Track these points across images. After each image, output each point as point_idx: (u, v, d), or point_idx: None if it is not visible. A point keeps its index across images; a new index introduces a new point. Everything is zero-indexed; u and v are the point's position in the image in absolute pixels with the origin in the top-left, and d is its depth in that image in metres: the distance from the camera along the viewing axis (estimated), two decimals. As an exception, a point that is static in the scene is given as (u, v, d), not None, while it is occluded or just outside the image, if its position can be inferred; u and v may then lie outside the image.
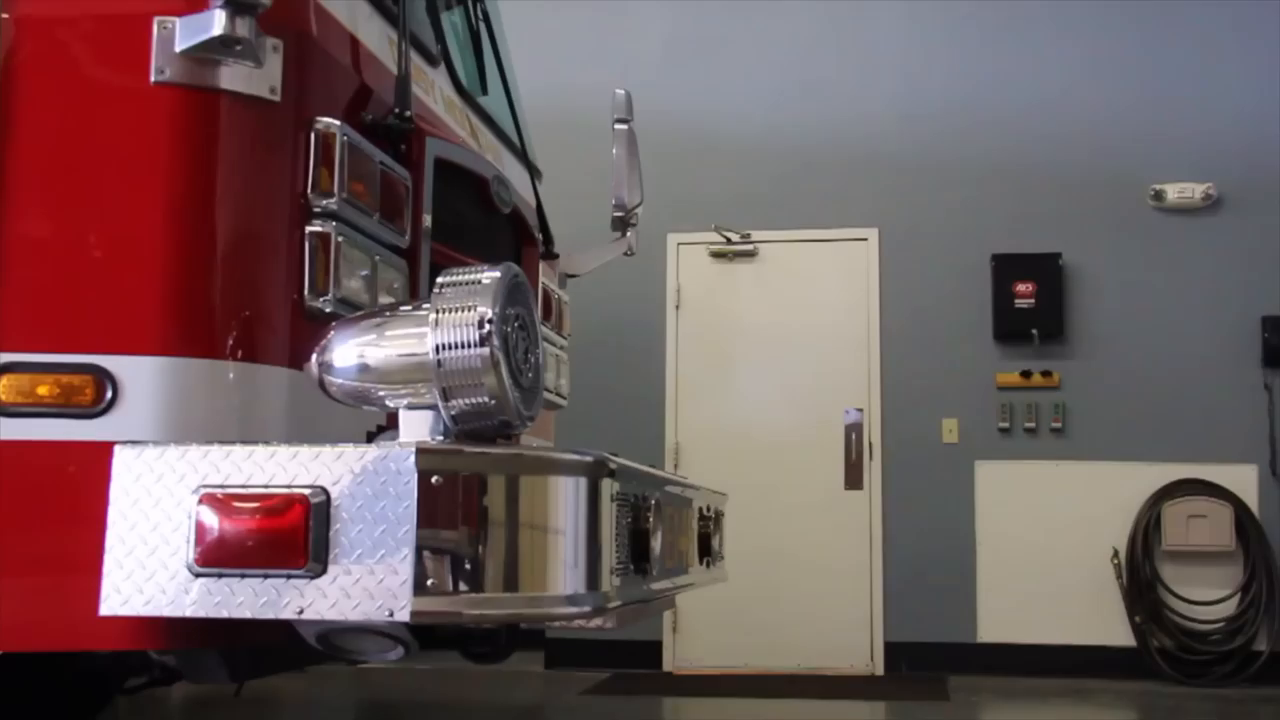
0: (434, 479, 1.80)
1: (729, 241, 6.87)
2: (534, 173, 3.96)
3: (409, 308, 2.02)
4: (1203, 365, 6.54)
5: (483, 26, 3.80)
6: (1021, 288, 6.58)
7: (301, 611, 1.80)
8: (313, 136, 2.30)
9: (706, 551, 3.08)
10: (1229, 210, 6.66)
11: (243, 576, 1.81)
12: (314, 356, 2.02)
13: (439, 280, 1.93)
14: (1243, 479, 6.43)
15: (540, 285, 3.76)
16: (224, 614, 1.81)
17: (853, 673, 6.53)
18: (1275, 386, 6.49)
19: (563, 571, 1.89)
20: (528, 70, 4.37)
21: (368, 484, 1.81)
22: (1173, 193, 6.68)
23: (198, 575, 1.82)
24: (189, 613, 1.83)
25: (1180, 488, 6.43)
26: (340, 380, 2.00)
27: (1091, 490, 6.49)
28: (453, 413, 1.89)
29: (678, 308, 6.82)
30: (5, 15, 2.16)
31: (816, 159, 6.96)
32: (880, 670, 6.49)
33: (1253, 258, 6.55)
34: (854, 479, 6.75)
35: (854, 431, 6.75)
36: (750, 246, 6.93)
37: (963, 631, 6.45)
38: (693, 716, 5.77)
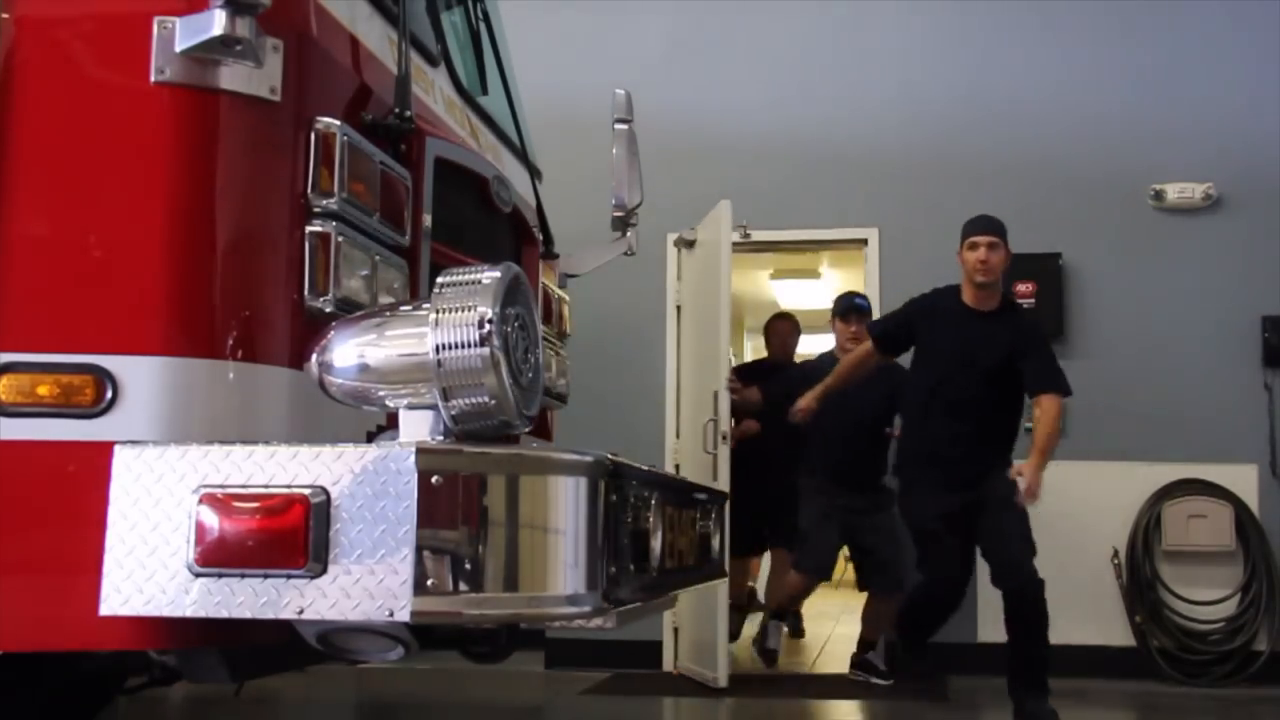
0: (434, 479, 1.80)
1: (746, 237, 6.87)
2: (534, 173, 3.96)
3: (409, 308, 2.02)
4: (1203, 365, 6.54)
5: (483, 26, 3.81)
6: (1021, 288, 6.57)
7: (301, 611, 1.80)
8: (313, 136, 2.30)
9: (707, 551, 3.08)
10: (1229, 210, 6.66)
11: (243, 576, 1.81)
12: (314, 356, 2.03)
13: (439, 280, 1.93)
14: (1243, 479, 6.42)
15: (540, 285, 3.76)
16: (224, 614, 1.82)
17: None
18: (1275, 386, 6.49)
19: (563, 571, 1.89)
20: (528, 70, 4.36)
21: (368, 484, 1.81)
22: (1173, 193, 6.68)
23: (198, 575, 1.83)
24: (189, 613, 1.83)
25: (1180, 488, 6.43)
26: (340, 380, 2.00)
27: (1091, 490, 6.48)
28: (453, 413, 1.89)
29: (679, 307, 6.81)
30: (5, 15, 2.16)
31: (816, 159, 6.96)
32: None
33: (1253, 258, 6.54)
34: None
35: (854, 431, 6.73)
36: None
37: (963, 631, 6.44)
38: (693, 716, 5.77)
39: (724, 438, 5.95)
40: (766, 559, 7.67)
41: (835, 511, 6.08)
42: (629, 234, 3.86)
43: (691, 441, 6.29)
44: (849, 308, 6.32)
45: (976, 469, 5.00)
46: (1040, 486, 4.91)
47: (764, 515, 6.82)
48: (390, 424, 2.11)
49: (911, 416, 5.34)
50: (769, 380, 6.59)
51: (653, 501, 2.32)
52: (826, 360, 6.30)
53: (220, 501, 1.83)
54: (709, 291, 6.25)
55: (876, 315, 6.47)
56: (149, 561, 1.84)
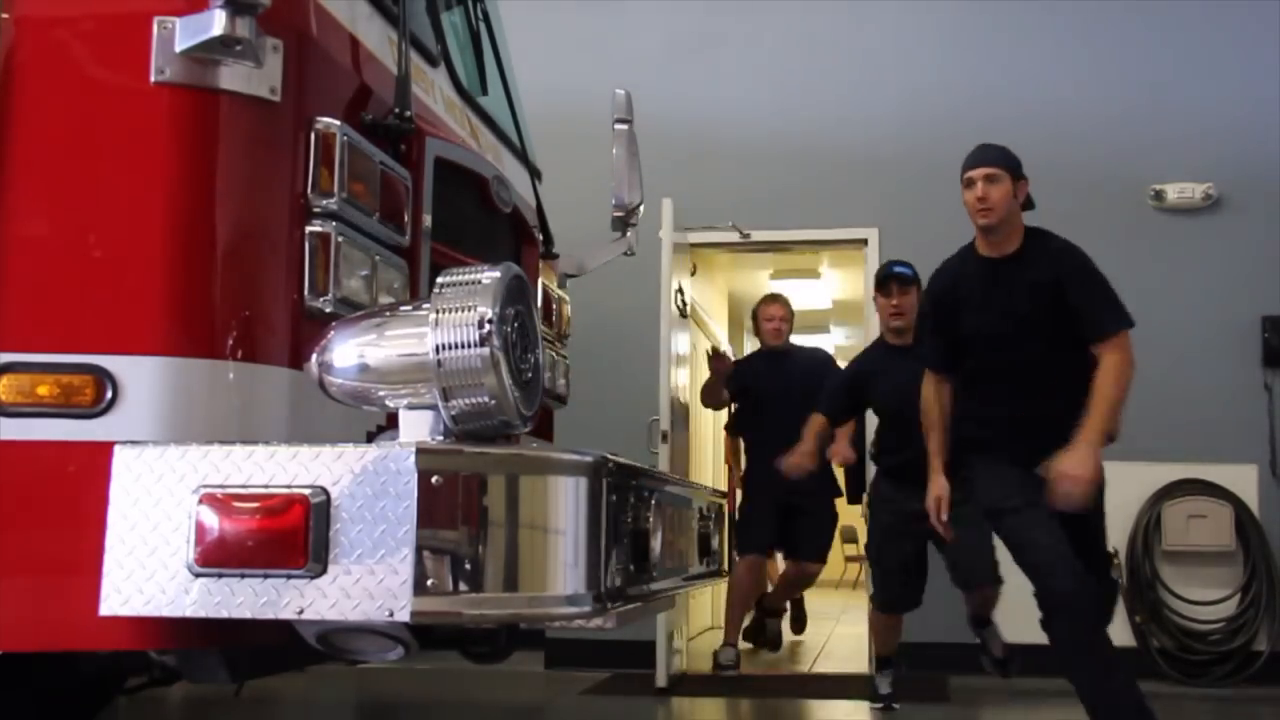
0: (434, 479, 1.80)
1: (744, 237, 6.88)
2: (534, 173, 3.96)
3: (409, 308, 2.02)
4: (1203, 365, 6.53)
5: (483, 26, 3.81)
6: (1021, 287, 6.56)
7: (301, 611, 1.80)
8: (313, 136, 2.30)
9: (706, 551, 3.08)
10: (1229, 210, 6.66)
11: (243, 576, 1.81)
12: (314, 356, 2.03)
13: (439, 280, 1.93)
14: (1243, 479, 6.42)
15: (540, 285, 3.76)
16: (224, 614, 1.82)
17: (853, 672, 6.53)
18: (1275, 386, 6.49)
19: (563, 571, 1.89)
20: (528, 70, 4.36)
21: (368, 484, 1.81)
22: (1173, 193, 6.68)
23: (198, 575, 1.83)
24: (189, 613, 1.83)
25: (1180, 488, 6.43)
26: (340, 380, 2.00)
27: (1092, 490, 6.47)
28: (453, 413, 1.90)
29: (678, 307, 6.80)
30: (5, 15, 2.16)
31: (816, 159, 6.95)
32: (880, 670, 6.48)
33: (1253, 258, 6.54)
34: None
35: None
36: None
37: (963, 631, 6.43)
38: (692, 717, 5.76)
39: (664, 437, 5.96)
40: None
41: (903, 521, 5.13)
42: (629, 234, 3.86)
43: (690, 441, 6.29)
44: (887, 276, 5.38)
45: (1050, 444, 3.86)
46: (1095, 472, 3.77)
47: (781, 515, 6.77)
48: (390, 424, 2.11)
49: (961, 400, 4.27)
50: (784, 365, 6.41)
51: (653, 501, 2.32)
52: (874, 352, 5.50)
53: (220, 502, 1.83)
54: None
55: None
56: (149, 561, 1.84)
